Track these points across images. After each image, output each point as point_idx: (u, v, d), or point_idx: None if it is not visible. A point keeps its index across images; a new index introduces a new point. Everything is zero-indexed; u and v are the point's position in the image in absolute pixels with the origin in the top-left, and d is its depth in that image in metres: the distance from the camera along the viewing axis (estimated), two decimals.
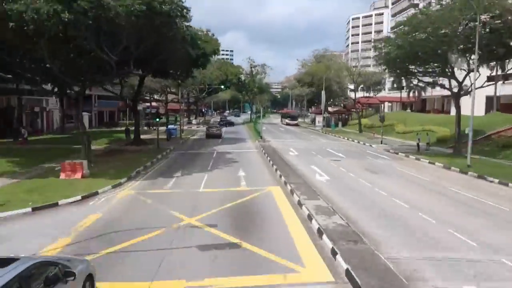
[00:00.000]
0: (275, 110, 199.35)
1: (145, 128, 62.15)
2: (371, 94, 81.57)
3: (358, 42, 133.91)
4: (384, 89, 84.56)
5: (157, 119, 36.12)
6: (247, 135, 53.15)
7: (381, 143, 41.70)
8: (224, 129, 60.31)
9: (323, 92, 66.98)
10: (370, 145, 40.96)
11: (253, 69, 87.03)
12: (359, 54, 61.05)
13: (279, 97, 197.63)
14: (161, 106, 78.98)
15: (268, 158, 28.57)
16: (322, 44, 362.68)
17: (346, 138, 49.56)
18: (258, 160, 28.88)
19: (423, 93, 69.74)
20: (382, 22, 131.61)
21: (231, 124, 74.44)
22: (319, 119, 72.31)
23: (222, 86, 59.27)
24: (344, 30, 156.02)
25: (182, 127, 50.93)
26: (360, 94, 71.88)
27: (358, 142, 44.77)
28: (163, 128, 48.43)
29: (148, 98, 60.68)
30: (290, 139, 47.71)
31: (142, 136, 39.36)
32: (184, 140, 43.82)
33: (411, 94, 70.85)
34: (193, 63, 35.38)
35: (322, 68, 67.53)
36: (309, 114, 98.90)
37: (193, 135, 52.35)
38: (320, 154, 32.00)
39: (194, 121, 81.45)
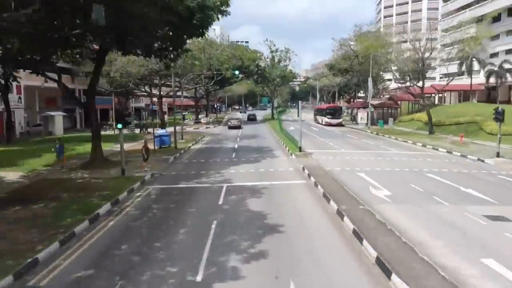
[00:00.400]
0: (294, 105, 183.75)
1: (136, 131, 47.01)
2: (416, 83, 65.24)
3: (392, 25, 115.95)
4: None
5: (120, 125, 20.37)
6: (273, 141, 37.27)
7: (498, 156, 25.29)
8: (240, 131, 45.52)
9: (370, 80, 50.46)
10: (481, 160, 24.68)
11: (274, 54, 70.65)
12: (428, 22, 44.10)
13: (297, 90, 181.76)
14: (167, 102, 64.54)
15: (344, 218, 12.55)
16: (339, 36, 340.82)
17: (419, 144, 33.21)
18: (320, 225, 12.53)
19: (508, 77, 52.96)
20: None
21: (253, 119, 71.33)
22: (362, 115, 55.82)
23: (237, 72, 42.04)
24: (373, 11, 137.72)
25: (179, 132, 35.52)
26: (394, 85, 55.51)
27: (449, 152, 28.39)
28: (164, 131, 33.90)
29: (136, 91, 45.37)
30: (341, 148, 31.44)
31: (129, 145, 24.05)
32: (179, 154, 28.12)
33: (491, 80, 54.26)
34: (184, 24, 19.76)
35: (377, 43, 50.18)
36: (344, 108, 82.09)
37: (197, 142, 36.71)
38: (438, 196, 15.72)
39: (203, 120, 65.96)
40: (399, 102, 61.80)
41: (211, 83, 62.12)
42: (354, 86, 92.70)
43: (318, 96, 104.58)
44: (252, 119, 71.95)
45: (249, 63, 60.57)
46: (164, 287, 8.17)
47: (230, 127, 53.61)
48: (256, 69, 66.01)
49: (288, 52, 70.02)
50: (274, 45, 69.26)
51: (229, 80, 65.32)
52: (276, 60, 71.09)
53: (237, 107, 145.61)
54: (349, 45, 57.98)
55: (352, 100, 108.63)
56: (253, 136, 43.12)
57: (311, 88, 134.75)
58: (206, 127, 56.00)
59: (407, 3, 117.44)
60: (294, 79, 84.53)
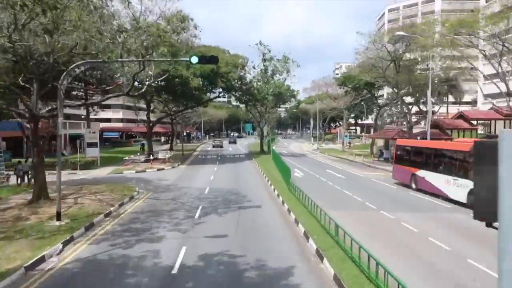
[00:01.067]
0: (280, 132, 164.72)
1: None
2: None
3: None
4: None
5: None
6: (273, 209, 16.29)
7: None
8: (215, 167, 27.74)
9: (428, 93, 29.93)
10: None
11: (266, 63, 49.89)
12: None
13: (282, 116, 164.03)
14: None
15: None
16: (323, 64, 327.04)
17: None
18: None
19: None
20: (433, 12, 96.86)
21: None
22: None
23: (194, 60, 20.59)
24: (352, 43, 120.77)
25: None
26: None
27: None
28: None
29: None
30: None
31: None
32: None
33: None
34: None
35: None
36: (347, 138, 61.82)
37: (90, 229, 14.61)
38: None
39: (162, 154, 44.09)
40: (448, 132, 41.55)
41: (164, 96, 41.81)
42: (359, 108, 74.32)
43: (312, 122, 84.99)
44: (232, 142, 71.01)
45: (227, 69, 39.76)
46: None
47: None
48: (239, 83, 45.38)
49: (287, 61, 49.17)
50: (269, 50, 48.43)
51: (198, 98, 44.48)
52: (270, 72, 50.30)
53: (214, 134, 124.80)
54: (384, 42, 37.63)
55: (353, 124, 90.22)
56: (235, 184, 21.94)
57: (302, 113, 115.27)
58: (159, 168, 34.29)
59: (416, 15, 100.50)
60: (292, 98, 63.67)
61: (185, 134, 72.24)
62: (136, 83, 24.10)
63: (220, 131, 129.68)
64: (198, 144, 73.70)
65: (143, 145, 49.25)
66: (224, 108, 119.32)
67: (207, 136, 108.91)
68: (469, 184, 16.96)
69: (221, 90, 47.96)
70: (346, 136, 63.29)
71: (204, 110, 73.91)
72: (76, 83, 32.55)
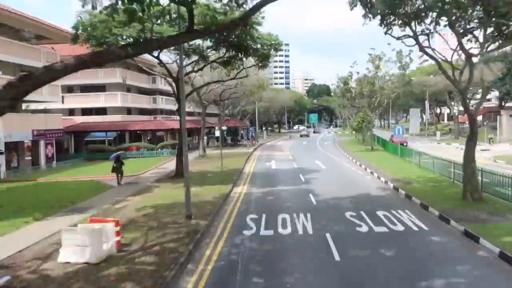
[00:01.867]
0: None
1: None
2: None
3: None
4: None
5: None
6: None
7: None
8: None
9: None
10: None
11: None
12: None
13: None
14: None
15: None
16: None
17: None
18: None
19: None
20: None
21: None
22: None
23: None
24: None
25: None
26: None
27: None
28: None
29: None
30: None
31: None
32: None
33: None
34: None
35: None
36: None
37: None
38: None
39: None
40: None
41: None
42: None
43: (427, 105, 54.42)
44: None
45: None
46: None
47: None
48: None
49: None
50: None
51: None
52: None
53: (272, 128, 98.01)
54: None
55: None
56: None
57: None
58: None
59: None
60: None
61: (225, 131, 44.83)
62: None
63: (280, 124, 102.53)
64: (248, 149, 41.96)
65: (118, 161, 21.37)
66: (284, 92, 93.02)
67: (265, 130, 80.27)
68: None
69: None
70: None
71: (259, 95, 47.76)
72: None
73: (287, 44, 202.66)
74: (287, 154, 36.74)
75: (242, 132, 60.21)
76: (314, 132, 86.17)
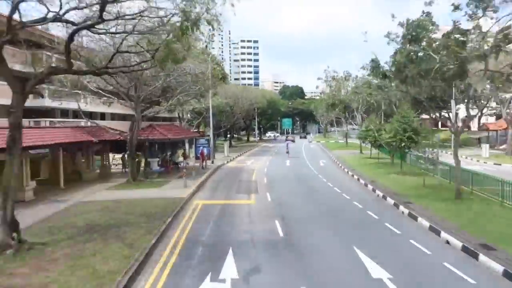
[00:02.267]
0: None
1: None
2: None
3: None
4: None
5: None
6: None
7: None
8: None
9: None
10: None
11: None
12: None
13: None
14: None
15: None
16: (344, 57, 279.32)
17: None
18: None
19: None
20: None
21: None
22: None
23: None
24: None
25: None
26: None
27: None
28: None
29: None
30: None
31: None
32: None
33: None
34: None
35: None
36: None
37: None
38: None
39: None
40: None
41: None
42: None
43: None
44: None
45: None
46: None
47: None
48: None
49: None
50: None
51: None
52: None
53: (232, 136, 79.31)
54: None
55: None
56: None
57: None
58: None
59: None
60: None
61: (148, 146, 25.62)
62: None
63: (248, 130, 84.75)
64: (184, 188, 20.93)
65: None
66: (255, 90, 75.77)
67: (228, 140, 59.93)
68: None
69: None
70: None
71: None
72: None
73: (256, 41, 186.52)
74: (264, 202, 18.07)
75: (187, 147, 37.56)
76: (286, 140, 66.00)
